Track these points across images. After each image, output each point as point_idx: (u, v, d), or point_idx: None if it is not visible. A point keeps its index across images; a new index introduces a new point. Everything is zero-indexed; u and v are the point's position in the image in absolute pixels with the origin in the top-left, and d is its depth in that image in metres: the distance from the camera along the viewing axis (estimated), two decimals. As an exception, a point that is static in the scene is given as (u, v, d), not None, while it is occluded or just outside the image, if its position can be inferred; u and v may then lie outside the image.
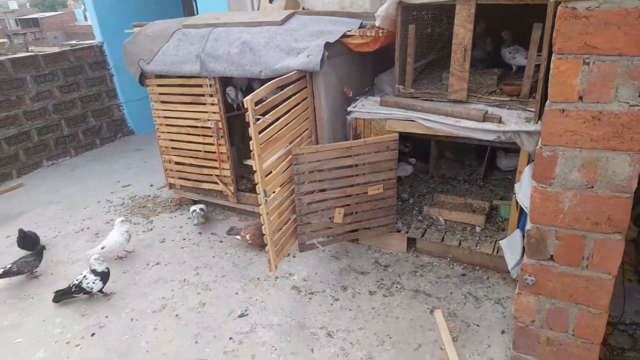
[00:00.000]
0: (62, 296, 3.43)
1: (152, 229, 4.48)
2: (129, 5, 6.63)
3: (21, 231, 3.98)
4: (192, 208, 4.51)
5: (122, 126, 7.06)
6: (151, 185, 5.46)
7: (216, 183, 4.44)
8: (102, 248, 3.79)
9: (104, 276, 3.41)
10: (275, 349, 2.97)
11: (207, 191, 4.60)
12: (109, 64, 6.64)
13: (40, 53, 5.82)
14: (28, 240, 3.99)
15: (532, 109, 3.14)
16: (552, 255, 2.23)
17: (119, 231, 3.91)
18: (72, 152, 6.38)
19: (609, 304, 2.21)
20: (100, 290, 3.45)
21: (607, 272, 2.13)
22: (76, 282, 3.39)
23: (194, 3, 6.87)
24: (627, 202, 1.97)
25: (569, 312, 2.30)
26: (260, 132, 2.93)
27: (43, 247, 3.87)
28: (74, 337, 3.14)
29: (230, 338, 3.08)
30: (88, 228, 4.56)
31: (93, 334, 3.16)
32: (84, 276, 3.39)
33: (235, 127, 4.65)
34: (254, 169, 2.95)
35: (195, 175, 4.56)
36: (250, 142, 2.86)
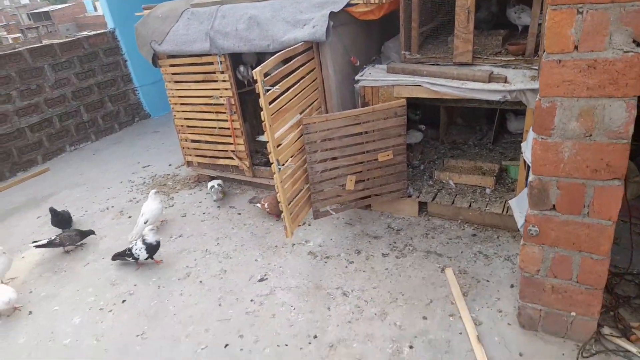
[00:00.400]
0: (117, 257, 3.76)
1: (173, 205, 4.67)
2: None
3: (52, 210, 4.20)
4: (210, 184, 4.66)
5: (139, 110, 7.25)
6: (169, 165, 5.64)
7: (232, 158, 4.59)
8: (146, 222, 4.01)
9: (149, 247, 3.61)
10: (294, 309, 3.13)
11: (224, 167, 4.76)
12: (122, 49, 6.80)
13: (56, 42, 6.00)
14: (60, 219, 4.21)
15: (537, 67, 3.17)
16: (554, 205, 2.31)
17: (155, 200, 4.15)
18: (92, 137, 6.60)
19: (610, 251, 2.30)
20: (148, 258, 3.66)
21: (607, 218, 2.21)
22: (129, 247, 3.67)
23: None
24: (625, 148, 2.04)
25: (572, 259, 2.39)
26: (270, 103, 3.04)
27: (92, 232, 4.09)
28: (107, 304, 3.36)
29: (252, 300, 3.25)
30: (112, 206, 4.77)
31: (124, 301, 3.38)
32: (135, 242, 3.66)
33: (247, 104, 4.76)
34: (266, 139, 3.07)
35: (211, 152, 4.72)
36: (262, 114, 2.97)
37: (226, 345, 2.89)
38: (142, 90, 7.16)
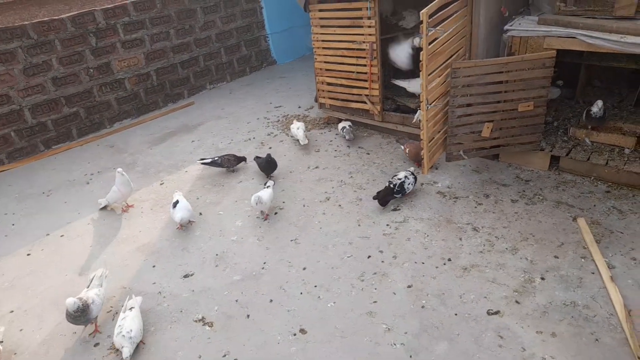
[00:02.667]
0: (386, 197, 3.73)
1: (307, 142, 5.15)
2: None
3: (269, 156, 4.36)
4: (341, 125, 5.05)
5: (267, 56, 7.80)
6: (299, 107, 6.13)
7: (364, 102, 4.93)
8: (298, 128, 5.00)
9: (415, 180, 3.86)
10: (427, 235, 3.47)
11: (354, 110, 5.12)
12: (260, -4, 7.31)
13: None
14: (272, 164, 4.36)
15: None
16: None
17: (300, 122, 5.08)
18: (228, 78, 7.28)
19: None
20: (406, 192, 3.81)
21: None
22: (397, 182, 3.74)
23: None
24: None
25: None
26: (429, 44, 3.29)
27: (244, 159, 4.68)
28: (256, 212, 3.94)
29: (387, 225, 3.64)
30: (254, 138, 5.37)
31: (276, 213, 3.93)
32: (405, 176, 3.79)
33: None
34: (421, 77, 3.34)
35: (344, 95, 5.08)
36: (421, 53, 3.24)
37: (368, 257, 3.32)
38: (272, 37, 7.67)
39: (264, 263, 3.36)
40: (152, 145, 5.42)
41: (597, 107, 3.89)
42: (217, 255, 3.49)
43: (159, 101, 6.48)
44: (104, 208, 4.18)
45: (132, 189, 4.13)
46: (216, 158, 4.52)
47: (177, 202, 3.78)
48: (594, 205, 3.56)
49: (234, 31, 7.13)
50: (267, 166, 4.38)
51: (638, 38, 3.21)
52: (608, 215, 3.44)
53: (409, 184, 3.78)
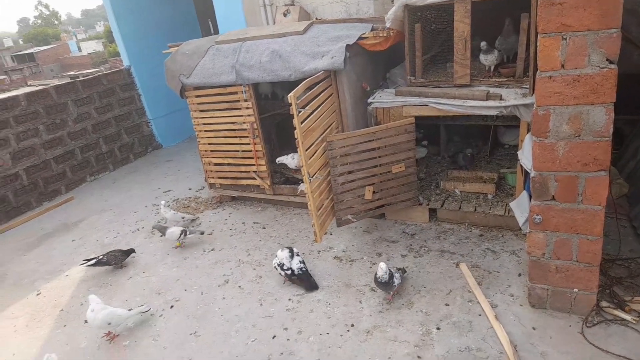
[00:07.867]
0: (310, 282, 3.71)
1: (200, 224, 5.04)
2: (150, 31, 7.27)
3: None
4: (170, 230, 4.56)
5: (152, 141, 7.66)
6: (190, 189, 6.03)
7: (254, 178, 5.01)
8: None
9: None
10: (329, 304, 3.51)
11: (245, 187, 5.17)
12: (137, 84, 7.26)
13: (79, 79, 6.44)
14: None
15: (527, 86, 3.71)
16: (553, 196, 2.78)
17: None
18: (110, 167, 6.97)
19: (602, 233, 2.76)
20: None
21: (598, 203, 2.69)
22: (298, 269, 3.69)
23: (210, 25, 7.52)
24: (607, 144, 2.54)
25: (571, 241, 2.85)
26: (301, 123, 3.50)
27: (133, 250, 4.43)
28: (156, 310, 3.69)
29: (290, 299, 3.63)
30: (143, 227, 5.12)
31: (172, 306, 3.72)
32: (299, 267, 3.71)
33: (269, 128, 5.21)
34: (299, 154, 3.52)
35: (233, 174, 5.13)
36: (295, 132, 3.43)
37: (274, 337, 3.25)
38: (154, 122, 7.59)
39: (162, 366, 3.11)
40: (25, 251, 4.90)
41: (381, 271, 3.28)
42: (107, 367, 3.17)
43: (32, 201, 5.95)
44: None
45: None
46: (101, 256, 4.21)
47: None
48: (472, 250, 3.91)
49: (112, 120, 6.95)
50: None
51: (476, 102, 3.74)
52: (484, 257, 3.79)
53: (299, 265, 3.72)
